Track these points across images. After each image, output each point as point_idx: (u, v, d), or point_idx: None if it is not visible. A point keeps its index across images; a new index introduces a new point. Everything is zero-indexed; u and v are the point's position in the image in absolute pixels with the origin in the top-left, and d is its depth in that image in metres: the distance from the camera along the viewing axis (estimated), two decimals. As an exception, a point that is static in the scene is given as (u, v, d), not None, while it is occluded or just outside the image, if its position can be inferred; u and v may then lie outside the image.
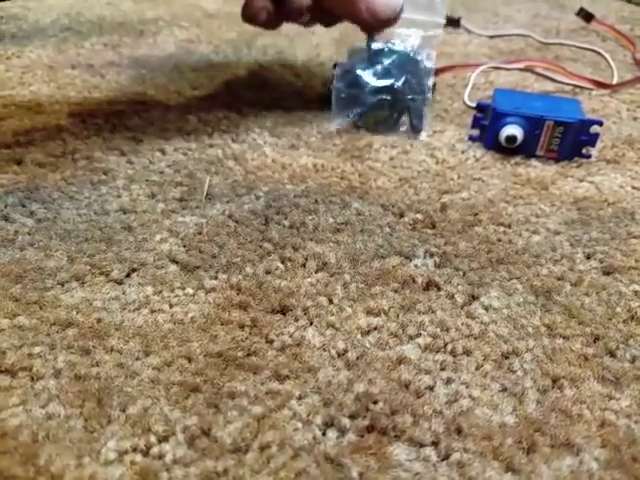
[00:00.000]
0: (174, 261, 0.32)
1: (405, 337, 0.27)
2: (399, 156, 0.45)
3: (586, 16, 0.79)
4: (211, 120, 0.49)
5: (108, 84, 0.55)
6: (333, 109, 0.49)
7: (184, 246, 0.33)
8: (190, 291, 0.30)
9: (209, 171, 0.41)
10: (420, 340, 0.27)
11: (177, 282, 0.30)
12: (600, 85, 0.57)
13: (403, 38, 0.48)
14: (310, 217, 0.37)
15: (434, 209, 0.38)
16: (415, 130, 0.48)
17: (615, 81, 0.60)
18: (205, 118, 0.49)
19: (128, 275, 0.30)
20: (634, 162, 0.46)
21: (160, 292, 0.29)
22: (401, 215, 0.38)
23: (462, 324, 0.28)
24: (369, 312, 0.29)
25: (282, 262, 0.32)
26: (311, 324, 0.28)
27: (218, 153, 0.44)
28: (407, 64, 0.48)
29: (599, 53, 0.68)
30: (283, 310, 0.29)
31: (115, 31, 0.71)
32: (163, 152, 0.43)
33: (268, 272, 0.31)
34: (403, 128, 0.48)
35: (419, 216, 0.38)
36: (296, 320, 0.28)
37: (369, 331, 0.28)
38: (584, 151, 0.44)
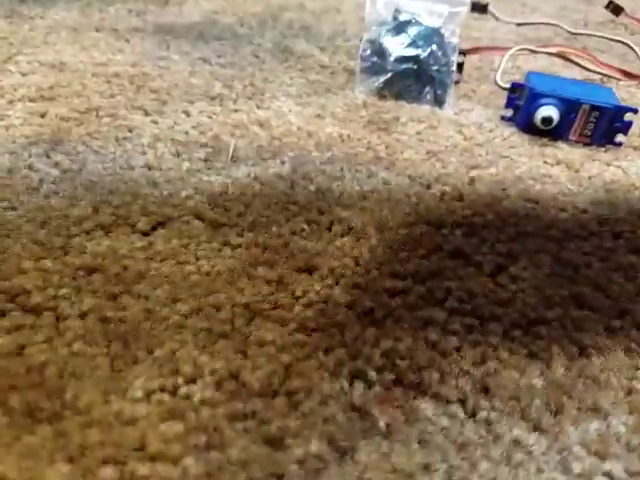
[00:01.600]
0: (200, 217, 0.32)
1: (432, 300, 0.27)
2: (426, 130, 0.45)
3: (615, 9, 0.78)
4: (236, 86, 0.48)
5: (132, 48, 0.54)
6: (358, 76, 0.49)
7: (209, 204, 0.33)
8: (216, 246, 0.29)
9: (234, 135, 0.41)
10: (447, 304, 0.27)
11: (203, 237, 0.30)
12: (629, 76, 0.57)
13: (430, 12, 0.48)
14: (336, 183, 0.36)
15: (462, 182, 0.38)
16: (439, 101, 0.47)
17: (644, 72, 0.59)
18: (230, 84, 0.49)
19: (154, 228, 0.30)
20: (662, 150, 0.45)
21: (187, 245, 0.29)
22: (428, 187, 0.37)
23: (489, 291, 0.28)
24: (396, 275, 0.29)
25: (308, 224, 0.32)
26: (337, 284, 0.28)
27: (243, 118, 0.43)
28: (433, 37, 0.47)
29: (628, 45, 0.67)
30: (309, 269, 0.28)
31: (140, -1, 0.70)
32: (188, 114, 0.43)
33: (294, 233, 0.31)
34: (427, 98, 0.48)
35: (447, 188, 0.37)
36: (322, 279, 0.28)
37: (395, 293, 0.27)
38: (616, 139, 0.43)
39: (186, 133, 0.40)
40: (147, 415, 0.20)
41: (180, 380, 0.21)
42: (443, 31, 0.47)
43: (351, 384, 0.22)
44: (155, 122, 0.41)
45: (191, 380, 0.21)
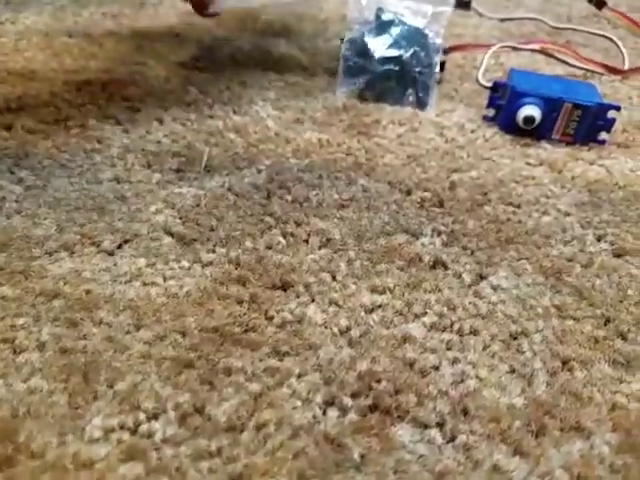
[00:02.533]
0: (169, 233, 0.31)
1: (410, 315, 0.26)
2: (407, 133, 0.44)
3: (598, 3, 0.77)
4: (212, 91, 0.47)
5: (106, 53, 0.53)
6: (340, 77, 0.48)
7: (180, 218, 0.32)
8: (186, 264, 0.28)
9: (208, 142, 0.40)
10: (426, 319, 0.26)
11: (172, 255, 0.29)
12: (612, 70, 0.56)
13: (413, 12, 0.47)
14: (314, 192, 0.35)
15: (442, 187, 0.37)
16: (421, 104, 0.47)
17: (626, 67, 0.59)
18: (206, 89, 0.47)
19: (120, 246, 0.29)
20: (646, 147, 0.44)
21: (154, 264, 0.28)
22: (408, 193, 0.36)
23: (469, 303, 0.27)
24: (373, 290, 0.28)
25: (284, 237, 0.31)
26: (313, 301, 0.27)
27: (218, 124, 0.42)
28: (416, 37, 0.46)
29: (610, 39, 0.67)
30: (284, 286, 0.27)
31: (115, 2, 0.69)
32: (161, 122, 0.42)
33: (269, 247, 0.30)
34: (409, 100, 0.47)
35: (427, 194, 0.36)
36: (297, 296, 0.27)
37: (373, 309, 0.26)
38: (599, 137, 0.42)
39: (158, 142, 0.39)
40: (105, 456, 0.19)
41: (141, 416, 0.20)
42: (427, 31, 0.46)
43: (324, 412, 0.21)
44: (126, 132, 0.40)
45: (153, 416, 0.20)
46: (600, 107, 0.41)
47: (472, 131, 0.44)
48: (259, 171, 0.37)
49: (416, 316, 0.26)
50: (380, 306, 0.27)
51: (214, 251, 0.29)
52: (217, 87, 0.48)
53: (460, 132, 0.44)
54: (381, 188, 0.37)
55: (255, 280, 0.27)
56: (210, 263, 0.29)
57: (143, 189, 0.34)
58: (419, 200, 0.36)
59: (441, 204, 0.36)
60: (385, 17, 0.46)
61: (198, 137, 0.40)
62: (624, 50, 0.63)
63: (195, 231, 0.31)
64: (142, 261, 0.28)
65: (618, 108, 0.41)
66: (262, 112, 0.45)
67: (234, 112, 0.44)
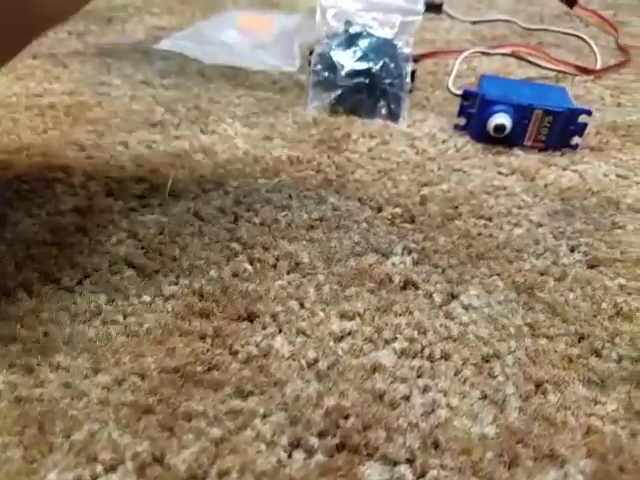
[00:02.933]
0: (131, 265, 0.30)
1: (380, 342, 0.26)
2: (378, 147, 0.43)
3: (569, 1, 0.77)
4: (179, 110, 0.46)
5: (71, 74, 0.52)
6: (310, 92, 0.47)
7: (142, 248, 0.31)
8: (147, 299, 0.27)
9: (174, 165, 0.39)
10: (396, 344, 0.25)
11: (133, 289, 0.28)
12: (584, 71, 0.56)
13: (381, 23, 0.46)
14: (283, 213, 0.35)
15: (413, 202, 0.36)
16: (393, 115, 0.46)
17: (598, 67, 0.59)
18: (173, 108, 0.47)
19: (80, 282, 0.28)
20: (618, 149, 0.44)
21: (113, 301, 0.27)
22: (379, 209, 0.36)
23: (440, 325, 0.27)
24: (343, 316, 0.27)
25: (251, 263, 0.30)
26: (280, 331, 0.26)
27: (185, 145, 0.41)
28: (385, 49, 0.46)
29: (582, 39, 0.67)
30: (250, 317, 0.27)
31: (82, 19, 0.67)
32: (126, 145, 0.41)
33: (235, 275, 0.29)
34: (382, 112, 0.46)
35: (398, 210, 0.36)
36: (264, 328, 0.26)
37: (342, 337, 0.26)
38: (572, 142, 0.42)
39: (122, 168, 0.38)
40: (61, 513, 0.18)
41: (99, 468, 0.19)
42: (396, 42, 0.46)
43: (290, 455, 0.20)
44: (90, 157, 0.39)
45: (111, 468, 0.19)
46: (571, 112, 0.41)
47: (443, 141, 0.44)
48: (226, 193, 0.36)
49: (386, 342, 0.26)
50: (350, 333, 0.26)
51: (177, 283, 0.29)
52: (185, 105, 0.47)
53: (431, 143, 0.43)
54: (351, 206, 0.36)
55: (219, 312, 0.27)
56: (172, 296, 0.28)
57: (105, 219, 0.33)
58: (390, 217, 0.35)
59: (412, 220, 0.35)
60: (353, 30, 0.46)
61: (163, 160, 0.39)
62: (596, 49, 0.63)
63: (157, 262, 0.30)
64: (102, 297, 0.27)
65: (589, 112, 0.41)
66: (230, 130, 0.44)
67: (201, 131, 0.43)
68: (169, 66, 0.54)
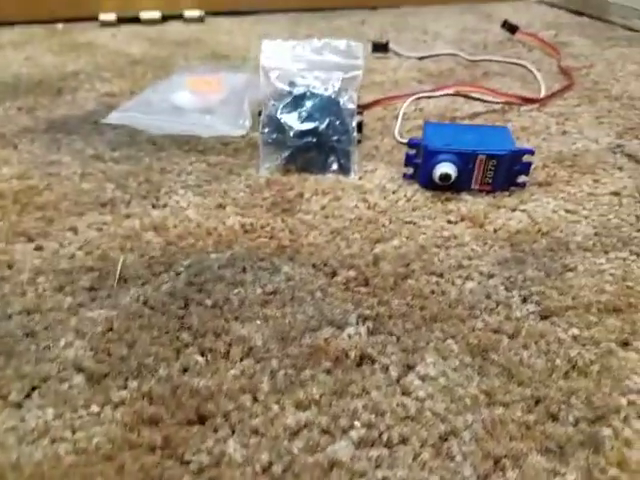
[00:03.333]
0: (80, 369, 0.29)
1: (337, 431, 0.25)
2: (331, 204, 0.43)
3: (510, 28, 0.79)
4: (130, 185, 0.46)
5: (20, 155, 0.52)
6: (261, 155, 0.48)
7: (91, 349, 0.30)
8: (95, 409, 0.27)
9: (124, 248, 0.38)
10: (353, 433, 0.25)
11: (81, 399, 0.27)
12: (528, 101, 0.57)
13: (324, 81, 0.47)
14: (236, 291, 0.34)
15: (366, 263, 0.36)
16: (344, 170, 0.46)
17: (542, 94, 0.60)
18: (124, 183, 0.46)
19: (28, 395, 0.27)
20: (565, 182, 0.45)
21: (61, 415, 0.26)
22: (333, 274, 0.36)
23: (397, 405, 0.26)
24: (298, 405, 0.27)
25: (202, 354, 0.30)
26: (233, 432, 0.25)
27: (135, 224, 0.41)
28: (329, 107, 0.46)
29: (525, 67, 0.68)
30: (201, 419, 0.26)
31: (31, 92, 0.67)
32: (75, 231, 0.40)
33: (186, 370, 0.29)
34: (333, 168, 0.47)
35: (352, 273, 0.36)
36: (215, 430, 0.25)
37: (298, 431, 0.25)
38: (519, 180, 0.43)
39: (71, 257, 0.38)
40: None
41: None
42: (340, 99, 0.46)
43: None
44: (39, 249, 0.39)
45: None
46: (513, 154, 0.41)
47: (394, 192, 0.44)
48: (177, 274, 0.36)
49: (343, 431, 0.25)
50: (305, 425, 0.26)
51: (125, 386, 0.28)
52: (136, 179, 0.47)
53: (382, 195, 0.44)
54: (305, 273, 0.36)
55: (169, 418, 0.26)
56: (122, 402, 0.27)
57: (54, 319, 0.32)
58: (344, 281, 0.35)
59: (366, 282, 0.35)
60: (297, 91, 0.47)
61: (113, 244, 0.39)
62: (539, 76, 0.65)
63: (106, 364, 0.29)
64: (50, 412, 0.27)
65: (532, 152, 0.42)
66: (182, 202, 0.44)
67: (153, 206, 0.43)
68: (120, 136, 0.54)
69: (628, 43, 0.80)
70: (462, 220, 0.40)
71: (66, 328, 0.32)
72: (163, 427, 0.25)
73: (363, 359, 0.29)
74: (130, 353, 0.30)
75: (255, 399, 0.27)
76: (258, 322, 0.32)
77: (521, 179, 0.43)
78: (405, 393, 0.27)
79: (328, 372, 0.29)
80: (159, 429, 0.25)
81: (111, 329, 0.31)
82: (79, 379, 0.28)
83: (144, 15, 0.88)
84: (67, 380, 0.28)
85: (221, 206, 0.43)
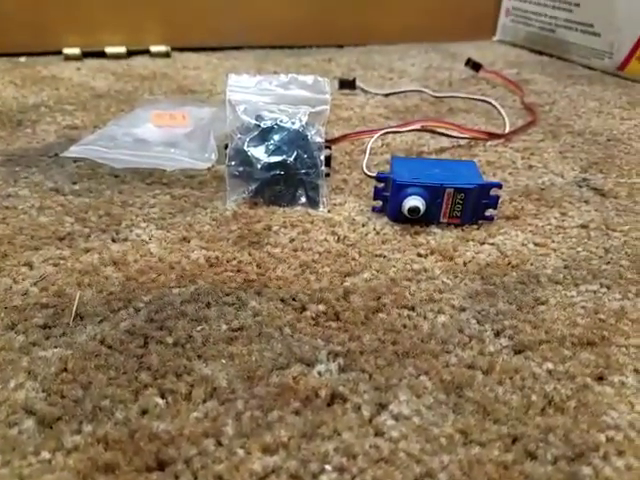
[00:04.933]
0: (31, 412, 0.27)
1: (307, 476, 0.24)
2: (299, 237, 0.42)
3: (474, 66, 0.82)
4: (90, 219, 0.44)
5: (-24, 189, 0.49)
6: (228, 187, 0.47)
7: (43, 391, 0.28)
8: (46, 456, 0.24)
9: (81, 284, 0.36)
10: (324, 478, 0.24)
11: (31, 445, 0.25)
12: (493, 136, 0.58)
13: (291, 115, 0.47)
14: (199, 327, 0.33)
15: (337, 297, 0.35)
16: (312, 202, 0.46)
17: (507, 129, 0.61)
18: (83, 217, 0.44)
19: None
20: (533, 215, 0.45)
21: (9, 462, 0.24)
22: (303, 309, 0.35)
23: (370, 446, 0.25)
24: (265, 450, 0.25)
25: (162, 396, 0.28)
26: (195, 478, 0.23)
27: (94, 259, 0.39)
28: (297, 140, 0.46)
29: (489, 103, 0.70)
30: (161, 465, 0.24)
31: (-11, 123, 0.65)
32: (30, 266, 0.38)
33: (144, 412, 0.27)
34: (301, 201, 0.46)
35: (321, 307, 0.35)
36: (176, 478, 0.23)
37: (265, 477, 0.24)
38: (486, 213, 0.43)
39: (25, 294, 0.35)
40: None
41: None
42: (307, 132, 0.46)
43: None
44: (-9, 285, 0.36)
45: None
46: (481, 188, 0.41)
47: (363, 225, 0.43)
48: (137, 311, 0.34)
49: (313, 476, 0.24)
50: (273, 471, 0.24)
51: (79, 431, 0.26)
52: (96, 213, 0.45)
53: (351, 227, 0.43)
54: (273, 308, 0.34)
55: (126, 464, 0.24)
56: (75, 448, 0.25)
57: (4, 359, 0.30)
58: (314, 316, 0.34)
59: (337, 317, 0.34)
60: (264, 124, 0.46)
61: (70, 279, 0.37)
62: (503, 112, 0.67)
63: (59, 407, 0.27)
64: (-4, 462, 0.24)
65: (500, 186, 0.42)
66: (144, 235, 0.42)
67: (113, 240, 0.41)
68: (81, 169, 0.53)
69: (588, 81, 0.83)
70: (432, 253, 0.40)
71: (17, 368, 0.29)
72: (120, 474, 0.23)
73: (334, 398, 0.28)
74: (85, 395, 0.27)
75: (219, 443, 0.25)
76: (223, 361, 0.30)
77: (489, 212, 0.43)
78: (378, 434, 0.26)
79: (297, 413, 0.27)
80: (115, 477, 0.23)
81: (65, 369, 0.29)
82: (29, 423, 0.26)
83: (109, 50, 0.87)
84: (17, 424, 0.26)
85: (185, 239, 0.42)
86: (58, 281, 0.37)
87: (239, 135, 0.47)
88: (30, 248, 0.40)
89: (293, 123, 0.46)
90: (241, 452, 0.25)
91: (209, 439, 0.25)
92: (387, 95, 0.73)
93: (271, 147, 0.45)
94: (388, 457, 0.25)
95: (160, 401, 0.27)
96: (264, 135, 0.46)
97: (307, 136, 0.46)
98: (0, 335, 0.32)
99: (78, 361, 0.30)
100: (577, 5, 0.92)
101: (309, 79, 0.48)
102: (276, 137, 0.46)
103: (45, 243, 0.41)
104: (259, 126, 0.46)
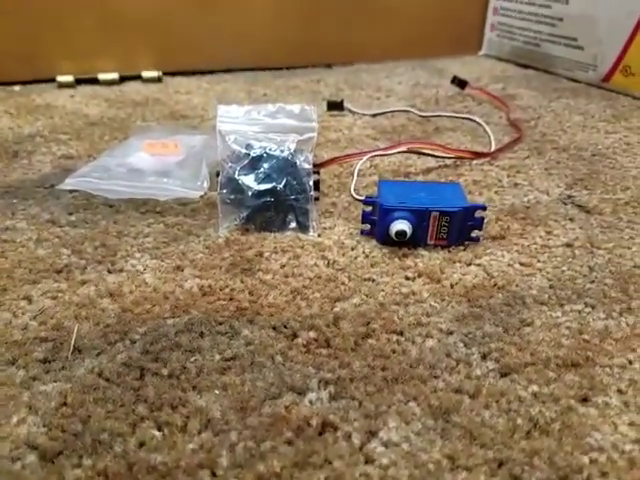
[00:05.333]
0: (33, 447, 0.28)
1: (298, 507, 0.24)
2: (290, 262, 0.43)
3: (460, 83, 0.83)
4: (86, 250, 0.45)
5: (-29, 224, 0.50)
6: (220, 215, 0.48)
7: (44, 426, 0.29)
8: (47, 492, 0.25)
9: (79, 317, 0.37)
10: (315, 508, 0.24)
11: (34, 479, 0.26)
12: (478, 155, 0.59)
13: (280, 143, 0.48)
14: (193, 358, 0.34)
15: (327, 323, 0.36)
16: (302, 227, 0.47)
17: (493, 148, 0.63)
18: (79, 248, 0.45)
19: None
20: (519, 235, 0.46)
21: (10, 501, 0.25)
22: (294, 336, 0.35)
23: (361, 474, 0.26)
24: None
25: (158, 429, 0.28)
26: (190, 512, 0.24)
27: (90, 291, 0.40)
28: (286, 167, 0.47)
29: (475, 121, 0.71)
30: (157, 498, 0.25)
31: (-15, 157, 0.66)
32: (30, 300, 0.39)
33: (142, 444, 0.28)
34: (291, 226, 0.47)
35: (312, 334, 0.35)
36: (172, 511, 0.24)
37: (257, 507, 0.24)
38: (472, 234, 0.44)
39: (25, 328, 0.36)
40: None
41: None
42: (295, 160, 0.47)
43: None
44: (-9, 321, 0.37)
45: None
46: (466, 210, 0.42)
47: (352, 248, 0.44)
48: (133, 342, 0.35)
49: (305, 506, 0.24)
50: (265, 501, 0.25)
51: (80, 465, 0.27)
52: (92, 244, 0.46)
53: (341, 251, 0.44)
54: (265, 337, 0.35)
55: (125, 500, 0.25)
56: (75, 485, 0.26)
57: (6, 394, 0.31)
58: (305, 343, 0.35)
59: (327, 343, 0.35)
60: (254, 153, 0.47)
61: (68, 312, 0.38)
62: (489, 129, 0.68)
63: (60, 441, 0.28)
64: (-3, 501, 0.25)
65: (484, 208, 0.43)
66: (139, 265, 0.43)
67: (109, 271, 0.42)
68: (77, 199, 0.54)
69: (573, 94, 0.85)
70: (419, 276, 0.41)
71: (18, 404, 0.30)
72: (116, 512, 0.24)
73: (325, 427, 0.29)
74: (84, 429, 0.28)
75: (214, 474, 0.26)
76: (216, 391, 0.31)
77: (475, 234, 0.44)
78: (368, 461, 0.27)
79: (289, 443, 0.28)
80: (111, 517, 0.24)
81: (65, 403, 0.30)
82: (32, 458, 0.27)
83: (102, 76, 0.88)
84: (19, 459, 0.27)
85: (179, 268, 0.43)
86: (56, 314, 0.37)
87: (230, 164, 0.48)
88: (29, 282, 0.41)
89: (282, 151, 0.47)
90: (235, 484, 0.25)
91: (204, 470, 0.26)
92: (374, 115, 0.75)
93: (261, 175, 0.47)
94: (378, 485, 0.25)
95: (157, 433, 0.28)
96: (254, 163, 0.47)
97: (296, 163, 0.47)
98: (2, 370, 0.33)
99: (77, 395, 0.31)
100: (560, 20, 0.94)
101: (296, 108, 0.49)
102: (266, 165, 0.47)
103: (43, 276, 0.42)
104: (249, 155, 0.47)
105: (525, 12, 1.01)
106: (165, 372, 0.32)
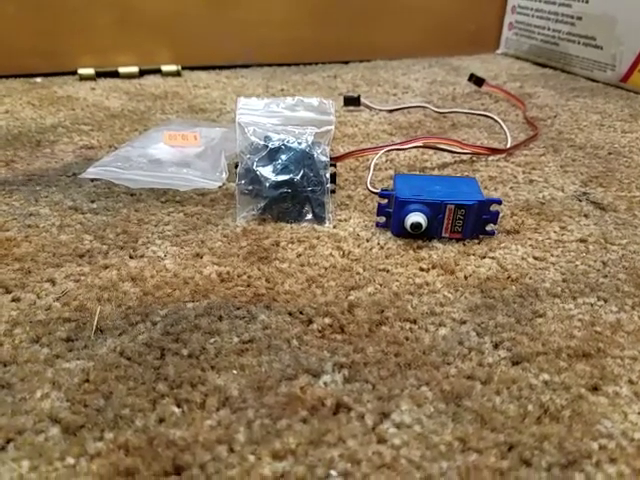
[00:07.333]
0: (56, 421, 0.29)
1: (313, 481, 0.25)
2: (306, 252, 0.44)
3: (477, 81, 0.84)
4: (108, 236, 0.46)
5: (-2, 208, 0.52)
6: (238, 205, 0.49)
7: (67, 400, 0.30)
8: (71, 461, 0.26)
9: (101, 299, 0.38)
10: (329, 482, 0.25)
11: (57, 451, 0.27)
12: (494, 151, 0.60)
13: (298, 136, 0.49)
14: (212, 340, 0.35)
15: (342, 310, 0.37)
16: (318, 219, 0.48)
17: (509, 144, 0.63)
18: (101, 234, 0.47)
19: (3, 448, 0.27)
20: (533, 229, 0.47)
21: (37, 467, 0.26)
22: (309, 322, 0.36)
23: (373, 453, 0.27)
24: (275, 456, 0.27)
25: (178, 406, 0.29)
26: (210, 483, 0.25)
27: (112, 275, 0.41)
28: (303, 159, 0.48)
29: (492, 117, 0.72)
30: (177, 470, 0.26)
31: (10, 145, 0.68)
32: (53, 282, 0.40)
33: (162, 420, 0.29)
34: (308, 217, 0.48)
35: (327, 320, 0.36)
36: (191, 482, 0.25)
37: (274, 480, 0.25)
38: (487, 228, 0.45)
39: (48, 309, 0.38)
40: None
41: None
42: (313, 152, 0.48)
43: None
44: (17, 300, 0.38)
45: None
46: (481, 204, 0.43)
47: (367, 240, 0.45)
48: (154, 324, 0.36)
49: (319, 480, 0.25)
50: (282, 475, 0.26)
51: (101, 438, 0.28)
52: (114, 230, 0.47)
53: (356, 243, 0.45)
54: (281, 322, 0.36)
55: (145, 469, 0.26)
56: (98, 454, 0.27)
57: (30, 370, 0.32)
58: (320, 329, 0.36)
59: (342, 329, 0.35)
60: (272, 145, 0.48)
61: (90, 295, 0.39)
62: (505, 126, 0.68)
63: (82, 415, 0.29)
64: (26, 464, 0.26)
65: (499, 202, 0.44)
66: (160, 251, 0.44)
67: (130, 257, 0.44)
68: (98, 188, 0.55)
69: (590, 93, 0.85)
70: (434, 267, 0.41)
71: (43, 379, 0.31)
72: (139, 479, 0.25)
73: (339, 407, 0.29)
74: (106, 404, 0.29)
75: (231, 450, 0.27)
76: (234, 372, 0.32)
77: (490, 227, 0.45)
78: (381, 441, 0.27)
79: (304, 421, 0.29)
80: (134, 483, 0.25)
81: (87, 380, 0.31)
82: (55, 431, 0.28)
83: (122, 70, 0.90)
84: (43, 432, 0.28)
85: (198, 255, 0.44)
86: (79, 296, 0.39)
87: (248, 155, 0.49)
88: (52, 265, 0.42)
89: (300, 143, 0.48)
90: (252, 458, 0.26)
91: (222, 445, 0.27)
92: (391, 111, 0.75)
93: (279, 166, 0.47)
94: (390, 463, 0.26)
95: (176, 410, 0.29)
96: (272, 155, 0.48)
97: (313, 155, 0.48)
98: (26, 348, 0.34)
99: (99, 372, 0.32)
100: (579, 19, 0.94)
101: (314, 101, 0.50)
102: (283, 157, 0.48)
103: (66, 260, 0.43)
104: (267, 146, 0.48)
105: (544, 11, 1.00)
106: (185, 352, 0.33)
